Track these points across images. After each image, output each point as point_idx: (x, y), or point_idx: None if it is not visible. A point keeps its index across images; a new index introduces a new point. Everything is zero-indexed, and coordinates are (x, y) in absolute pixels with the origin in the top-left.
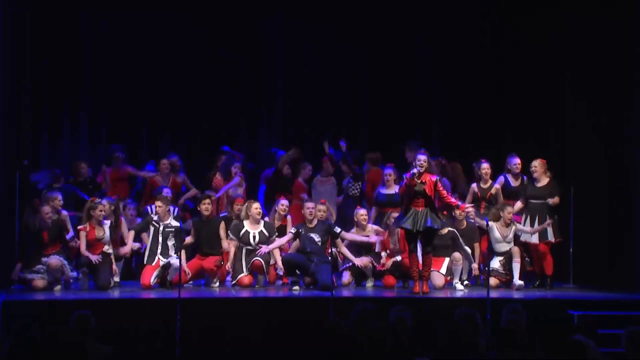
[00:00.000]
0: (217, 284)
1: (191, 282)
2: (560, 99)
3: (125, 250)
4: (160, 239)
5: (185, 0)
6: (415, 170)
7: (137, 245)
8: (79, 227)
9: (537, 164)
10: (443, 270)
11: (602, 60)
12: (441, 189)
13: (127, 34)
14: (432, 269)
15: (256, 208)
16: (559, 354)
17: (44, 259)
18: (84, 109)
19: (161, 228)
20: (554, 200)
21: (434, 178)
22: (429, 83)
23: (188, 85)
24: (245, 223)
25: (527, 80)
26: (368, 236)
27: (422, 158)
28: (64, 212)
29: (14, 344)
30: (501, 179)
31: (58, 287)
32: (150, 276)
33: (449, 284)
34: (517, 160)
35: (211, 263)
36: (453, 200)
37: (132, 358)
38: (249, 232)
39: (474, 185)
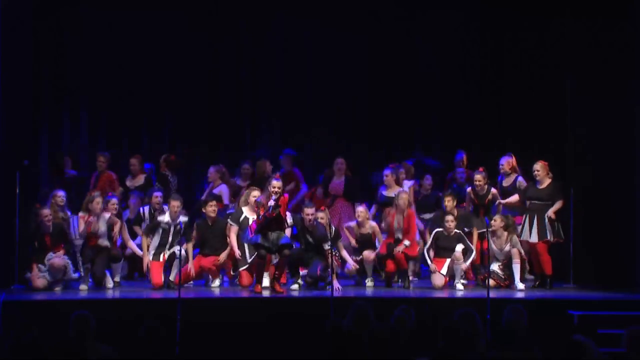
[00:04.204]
0: (218, 283)
1: (191, 282)
2: (560, 99)
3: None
4: (170, 237)
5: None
6: (272, 203)
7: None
8: (79, 214)
9: (538, 167)
10: (444, 270)
11: (602, 60)
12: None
13: (128, 33)
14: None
15: (254, 195)
16: (559, 354)
17: (48, 256)
18: (84, 109)
19: (172, 228)
20: (553, 210)
21: (286, 196)
22: (429, 84)
23: (187, 85)
24: (245, 209)
25: (527, 80)
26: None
27: (276, 184)
28: (69, 213)
29: (14, 344)
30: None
31: (58, 287)
32: (161, 275)
33: (449, 284)
34: (502, 161)
35: (210, 262)
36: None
37: (132, 358)
38: (248, 219)
39: (469, 189)
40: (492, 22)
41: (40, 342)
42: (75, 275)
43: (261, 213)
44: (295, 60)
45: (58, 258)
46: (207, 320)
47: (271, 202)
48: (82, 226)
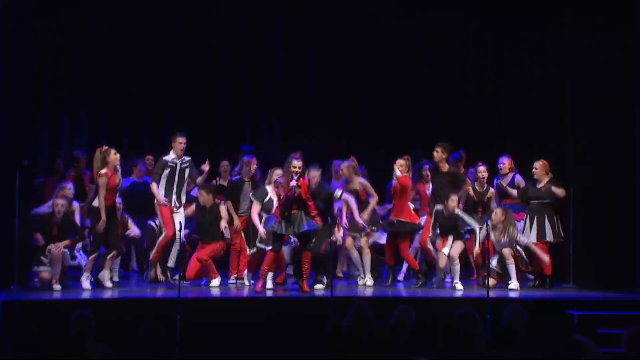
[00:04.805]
0: (218, 283)
1: (191, 282)
2: (560, 99)
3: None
4: (177, 177)
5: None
6: (294, 183)
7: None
8: (101, 172)
9: (538, 166)
10: (446, 250)
11: (602, 60)
12: (306, 185)
13: (128, 33)
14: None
15: (277, 174)
16: (559, 354)
17: (48, 247)
18: (84, 109)
19: (179, 166)
20: (560, 191)
21: (307, 179)
22: (429, 84)
23: (187, 85)
24: (269, 189)
25: (527, 80)
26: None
27: (297, 165)
28: (75, 203)
29: (14, 344)
30: (496, 183)
31: (58, 287)
32: (173, 224)
33: (449, 285)
34: (504, 160)
35: (207, 254)
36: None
37: (132, 358)
38: (272, 200)
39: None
40: (492, 22)
41: (40, 342)
42: (74, 263)
43: (282, 194)
44: (295, 60)
45: (56, 248)
46: (207, 320)
47: (293, 183)
48: (102, 186)
